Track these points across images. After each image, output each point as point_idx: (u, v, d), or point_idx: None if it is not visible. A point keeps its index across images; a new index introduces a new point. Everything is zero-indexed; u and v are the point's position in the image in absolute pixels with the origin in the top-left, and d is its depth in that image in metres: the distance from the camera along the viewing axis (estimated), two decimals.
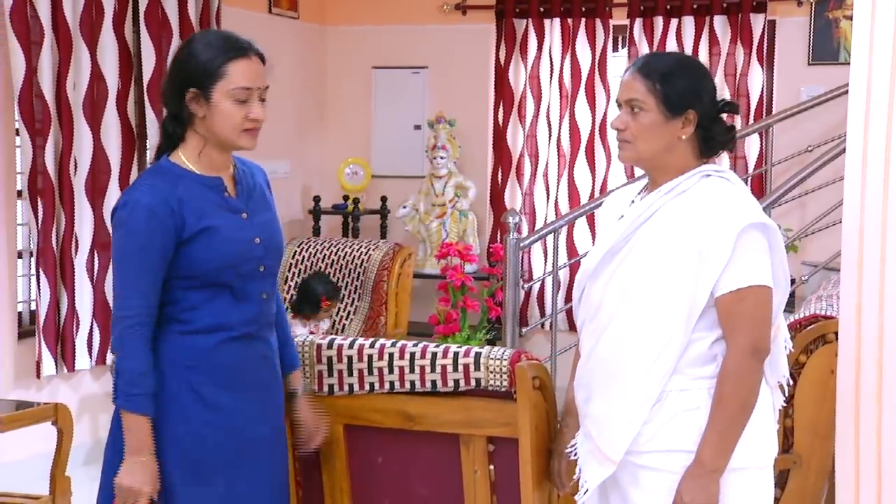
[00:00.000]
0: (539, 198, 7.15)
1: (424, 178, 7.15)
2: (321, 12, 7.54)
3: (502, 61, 7.13)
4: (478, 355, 2.82)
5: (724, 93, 6.80)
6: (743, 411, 2.47)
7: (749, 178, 6.67)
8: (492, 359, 2.80)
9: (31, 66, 5.14)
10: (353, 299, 6.14)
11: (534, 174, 7.15)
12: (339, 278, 6.16)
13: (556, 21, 7.01)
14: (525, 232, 6.88)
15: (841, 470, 3.03)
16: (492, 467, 2.86)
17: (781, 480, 3.52)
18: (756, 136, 6.61)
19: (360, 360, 2.89)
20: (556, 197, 7.09)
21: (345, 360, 2.90)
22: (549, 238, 6.08)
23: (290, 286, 6.16)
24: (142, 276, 2.61)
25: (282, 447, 2.84)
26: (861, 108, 2.93)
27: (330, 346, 2.92)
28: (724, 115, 2.64)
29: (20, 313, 5.41)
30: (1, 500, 4.45)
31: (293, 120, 7.36)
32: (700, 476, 2.45)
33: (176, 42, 5.98)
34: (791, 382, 2.80)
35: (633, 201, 2.67)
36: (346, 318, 6.12)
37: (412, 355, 2.86)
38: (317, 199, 7.17)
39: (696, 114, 2.56)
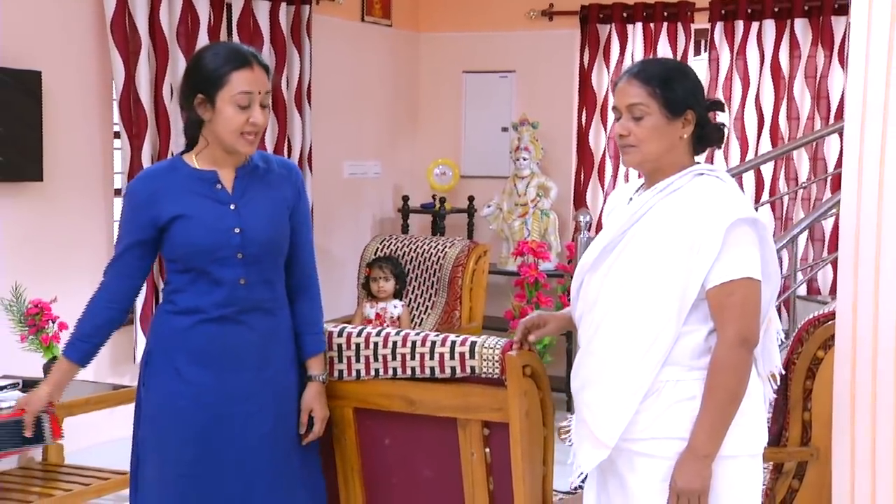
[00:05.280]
0: None
1: (508, 178, 7.37)
2: (414, 20, 7.82)
3: (586, 65, 7.29)
4: (473, 344, 3.00)
5: (804, 95, 6.84)
6: (733, 400, 2.57)
7: (828, 178, 6.68)
8: (485, 347, 2.98)
9: (130, 73, 5.54)
10: (431, 294, 6.39)
11: (615, 175, 7.28)
12: (418, 274, 6.41)
13: (639, 26, 7.14)
14: None
15: (837, 461, 3.11)
16: (487, 450, 3.02)
17: (800, 473, 3.57)
18: (836, 137, 6.61)
19: (367, 347, 3.11)
20: None
21: (353, 346, 3.12)
22: None
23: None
24: (120, 244, 3.04)
25: (277, 424, 3.05)
26: (858, 110, 3.00)
27: (340, 333, 3.15)
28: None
29: None
30: (94, 475, 4.83)
31: (386, 123, 7.66)
32: (693, 461, 2.56)
33: (268, 50, 6.34)
34: (783, 372, 2.89)
35: (630, 199, 2.79)
36: (425, 313, 6.37)
37: (413, 343, 3.05)
38: (405, 199, 7.44)
39: (695, 114, 2.68)
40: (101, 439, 5.46)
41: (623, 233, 2.70)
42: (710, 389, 2.57)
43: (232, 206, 2.98)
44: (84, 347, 3.04)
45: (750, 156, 6.90)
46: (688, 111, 2.67)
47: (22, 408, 3.02)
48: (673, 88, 2.66)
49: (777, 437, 3.59)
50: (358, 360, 3.13)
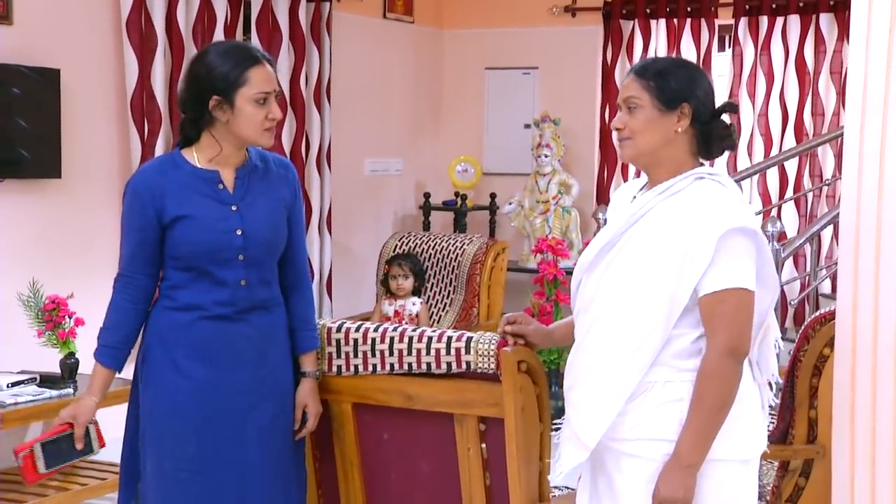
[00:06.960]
0: None
1: (530, 175, 7.35)
2: (436, 16, 7.82)
3: (609, 61, 7.27)
4: (469, 339, 3.00)
5: (829, 91, 6.77)
6: (720, 409, 2.54)
7: None
8: (481, 343, 2.98)
9: (145, 71, 5.55)
10: (449, 292, 6.39)
11: (638, 172, 7.22)
12: (436, 271, 6.41)
13: (662, 21, 7.11)
14: None
15: (837, 457, 3.09)
16: (484, 445, 3.02)
17: (806, 470, 3.55)
18: None
19: (365, 342, 3.11)
20: None
21: (351, 342, 3.13)
22: None
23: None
24: (127, 244, 3.00)
25: (275, 419, 3.06)
26: (857, 106, 2.98)
27: (339, 329, 3.16)
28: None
29: None
30: (110, 470, 4.83)
31: (408, 120, 7.66)
32: (677, 470, 2.53)
33: (286, 47, 6.34)
34: (779, 381, 2.86)
35: (634, 197, 2.76)
36: (443, 310, 6.37)
37: (410, 339, 3.06)
38: (427, 196, 7.44)
39: (691, 107, 2.63)
40: (117, 434, 5.49)
41: (621, 233, 2.68)
42: (697, 398, 2.55)
43: (233, 208, 2.98)
44: (119, 354, 3.01)
45: (774, 152, 6.83)
46: (683, 104, 2.63)
47: (67, 422, 2.98)
48: (667, 80, 2.63)
49: (783, 434, 3.57)
50: (356, 356, 3.13)
